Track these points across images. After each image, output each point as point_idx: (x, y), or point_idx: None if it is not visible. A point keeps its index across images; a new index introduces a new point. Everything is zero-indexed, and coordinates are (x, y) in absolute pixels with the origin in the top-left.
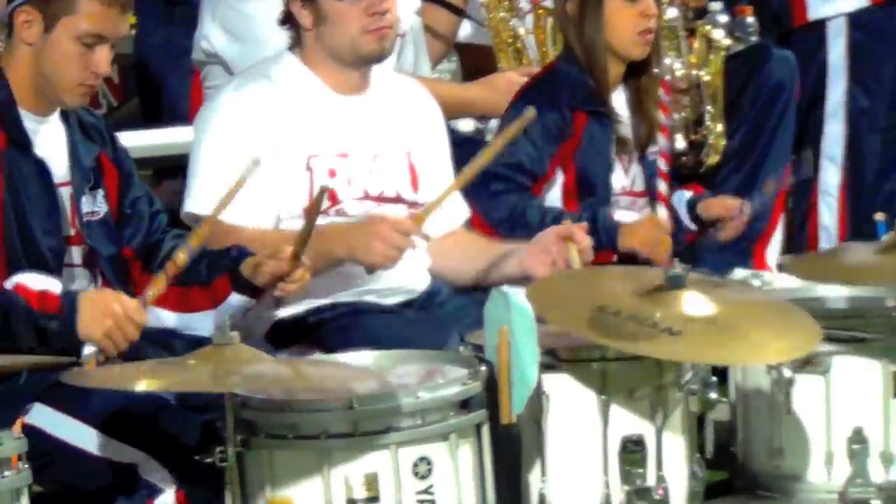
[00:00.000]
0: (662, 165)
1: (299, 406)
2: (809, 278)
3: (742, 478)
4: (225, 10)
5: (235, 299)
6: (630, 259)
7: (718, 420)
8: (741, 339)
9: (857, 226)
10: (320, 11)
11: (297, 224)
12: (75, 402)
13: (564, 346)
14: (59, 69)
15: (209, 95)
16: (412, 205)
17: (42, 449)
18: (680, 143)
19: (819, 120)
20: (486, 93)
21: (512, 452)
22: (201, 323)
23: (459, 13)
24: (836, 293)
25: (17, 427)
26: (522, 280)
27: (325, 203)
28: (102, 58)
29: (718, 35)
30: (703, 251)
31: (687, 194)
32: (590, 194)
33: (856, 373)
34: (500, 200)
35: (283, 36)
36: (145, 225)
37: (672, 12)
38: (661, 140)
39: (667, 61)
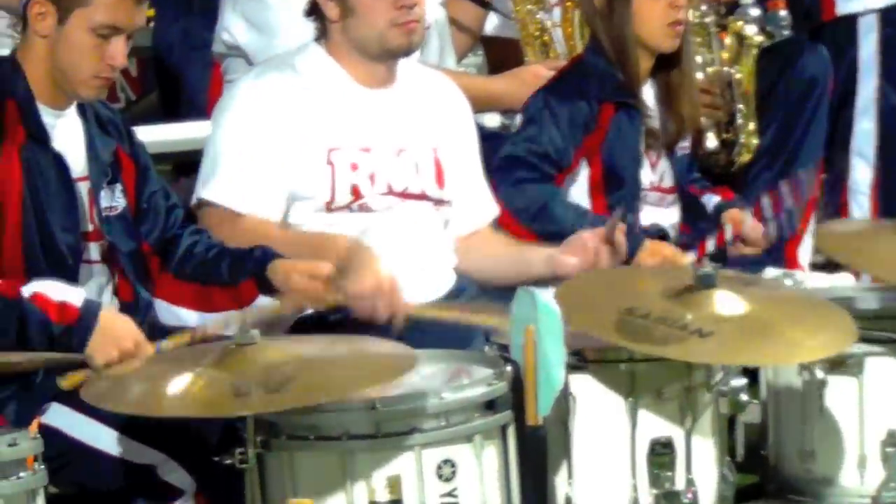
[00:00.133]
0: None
1: (321, 407)
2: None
3: (773, 481)
4: (247, 0)
5: (262, 300)
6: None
7: (749, 422)
8: (774, 337)
9: None
10: (347, 3)
11: (317, 219)
12: None
13: (591, 346)
14: (75, 61)
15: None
16: (438, 202)
17: (59, 449)
18: (711, 141)
19: (850, 117)
20: (513, 86)
21: (538, 455)
22: None
23: (486, 6)
24: (867, 293)
25: (33, 427)
26: (550, 280)
27: (349, 197)
28: (118, 49)
29: (751, 31)
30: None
31: (715, 199)
32: (618, 188)
33: (890, 374)
34: (524, 189)
35: (307, 28)
36: (162, 220)
37: (702, 7)
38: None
39: (697, 58)
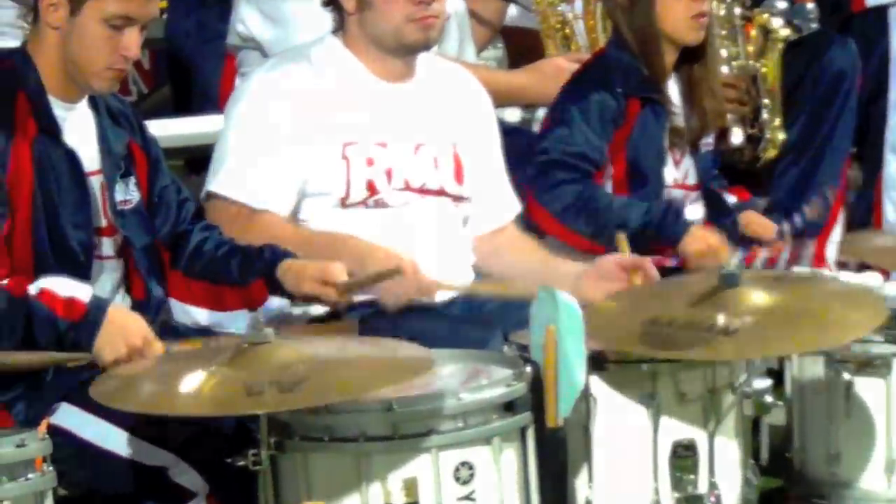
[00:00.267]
0: None
1: (336, 408)
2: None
3: (798, 485)
4: None
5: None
6: (674, 269)
7: (774, 424)
8: (802, 324)
9: None
10: None
11: (332, 214)
12: None
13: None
14: (87, 53)
15: (243, 79)
16: (456, 198)
17: (68, 451)
18: (737, 137)
19: (882, 111)
20: (535, 79)
21: (558, 457)
22: (234, 320)
23: None
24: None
25: (42, 428)
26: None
27: (364, 193)
28: (132, 40)
29: (777, 24)
30: None
31: (731, 200)
32: (641, 186)
33: None
34: (564, 189)
35: (323, 19)
36: (173, 214)
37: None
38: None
39: (722, 52)
